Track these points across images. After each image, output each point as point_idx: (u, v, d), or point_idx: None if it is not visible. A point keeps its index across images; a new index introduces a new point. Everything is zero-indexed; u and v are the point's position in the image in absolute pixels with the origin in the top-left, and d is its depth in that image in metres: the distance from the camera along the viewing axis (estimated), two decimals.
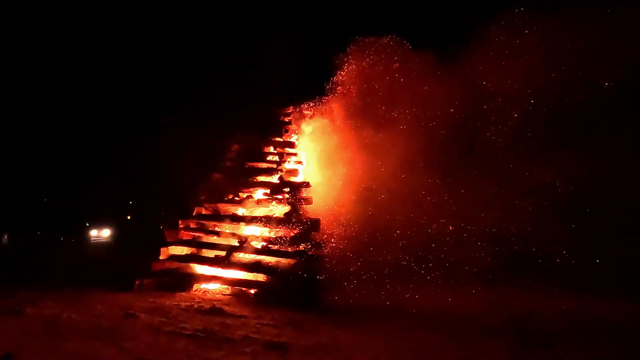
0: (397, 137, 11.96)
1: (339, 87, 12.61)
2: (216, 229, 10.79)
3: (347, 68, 12.75)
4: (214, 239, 10.69)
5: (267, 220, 10.44)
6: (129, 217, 31.45)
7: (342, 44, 12.86)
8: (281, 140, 12.03)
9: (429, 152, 11.90)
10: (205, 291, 9.61)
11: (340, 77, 12.70)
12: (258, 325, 6.99)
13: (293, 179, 11.18)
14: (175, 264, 10.31)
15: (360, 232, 11.33)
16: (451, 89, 12.36)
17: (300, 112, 12.52)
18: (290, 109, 12.55)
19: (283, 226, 10.29)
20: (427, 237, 11.43)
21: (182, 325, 6.60)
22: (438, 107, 12.42)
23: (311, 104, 12.52)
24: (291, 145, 11.92)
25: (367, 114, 12.20)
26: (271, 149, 11.99)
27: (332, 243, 10.80)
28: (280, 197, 10.75)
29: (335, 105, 12.37)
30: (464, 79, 12.30)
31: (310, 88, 12.73)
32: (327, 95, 12.53)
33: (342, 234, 11.18)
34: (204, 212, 11.20)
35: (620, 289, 11.71)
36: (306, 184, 11.02)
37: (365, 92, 12.56)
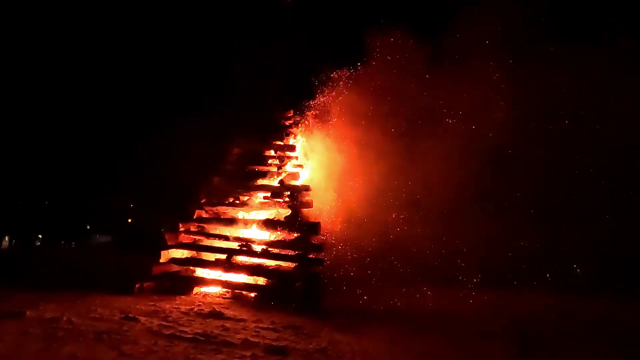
0: (400, 141, 11.98)
1: (341, 90, 12.63)
2: (217, 232, 10.79)
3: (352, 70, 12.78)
4: (214, 242, 10.68)
5: (267, 224, 10.44)
6: (129, 221, 31.47)
7: (343, 45, 12.91)
8: (282, 143, 12.04)
9: (431, 156, 11.91)
10: (205, 294, 9.60)
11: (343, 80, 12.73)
12: (258, 329, 6.98)
13: (293, 182, 11.18)
14: (175, 267, 10.30)
15: (361, 236, 11.34)
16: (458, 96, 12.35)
17: (301, 115, 12.55)
18: (291, 113, 12.57)
19: (283, 229, 10.30)
20: (428, 240, 11.43)
21: (182, 328, 6.59)
22: (445, 111, 12.43)
23: (312, 108, 12.56)
24: (292, 148, 11.93)
25: (370, 116, 12.21)
26: (272, 152, 12.00)
27: (332, 246, 10.80)
28: (280, 200, 10.76)
29: (336, 107, 12.39)
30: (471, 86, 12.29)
31: (311, 91, 12.75)
32: (328, 98, 12.57)
33: (343, 237, 11.19)
34: (204, 215, 11.20)
35: (621, 290, 11.71)
36: (307, 188, 11.03)
37: (369, 96, 12.58)
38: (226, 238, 10.56)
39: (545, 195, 12.64)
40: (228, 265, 9.94)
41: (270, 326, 7.22)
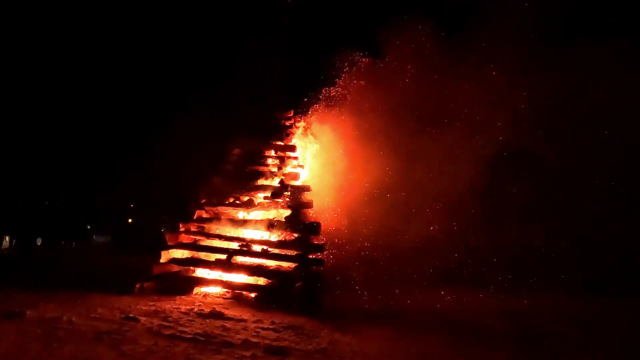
0: (402, 142, 11.94)
1: (342, 90, 12.61)
2: (217, 232, 10.79)
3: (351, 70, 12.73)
4: (214, 243, 10.68)
5: (267, 224, 10.44)
6: (129, 221, 31.49)
7: (343, 46, 12.91)
8: (282, 144, 12.04)
9: (432, 157, 11.89)
10: (206, 294, 9.59)
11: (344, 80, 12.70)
12: (258, 329, 6.98)
13: (294, 182, 11.17)
14: (175, 267, 10.30)
15: (362, 236, 11.33)
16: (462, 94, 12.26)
17: (302, 115, 12.55)
18: (291, 113, 12.56)
19: (284, 230, 10.29)
20: (428, 241, 11.42)
21: (182, 328, 6.59)
22: (447, 109, 12.37)
23: (312, 108, 12.55)
24: (292, 149, 11.92)
25: (371, 116, 12.18)
26: (272, 152, 12.00)
27: (333, 247, 10.79)
28: (281, 200, 10.75)
29: (337, 105, 12.38)
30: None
31: (312, 91, 12.74)
32: (329, 98, 12.57)
33: (344, 237, 11.18)
34: (204, 215, 11.20)
35: (622, 290, 11.70)
36: (307, 188, 11.02)
37: (370, 95, 12.53)
38: (226, 238, 10.56)
39: (555, 197, 12.62)
40: (228, 265, 9.94)
41: (271, 326, 7.22)
